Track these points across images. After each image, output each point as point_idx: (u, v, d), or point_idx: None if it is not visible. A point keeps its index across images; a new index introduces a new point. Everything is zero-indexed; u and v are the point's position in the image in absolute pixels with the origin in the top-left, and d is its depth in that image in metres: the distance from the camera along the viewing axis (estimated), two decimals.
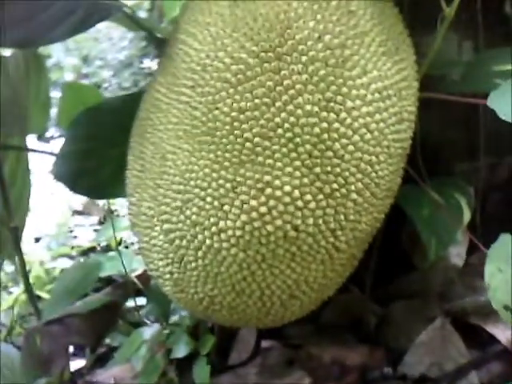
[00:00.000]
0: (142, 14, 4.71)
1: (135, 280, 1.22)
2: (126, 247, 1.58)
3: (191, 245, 0.71)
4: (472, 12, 0.94)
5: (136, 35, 4.82)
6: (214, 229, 0.69)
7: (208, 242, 0.70)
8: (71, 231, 1.87)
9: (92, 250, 1.78)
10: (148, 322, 1.18)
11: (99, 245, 1.76)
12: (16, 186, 1.04)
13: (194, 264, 0.72)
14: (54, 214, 1.91)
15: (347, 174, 0.68)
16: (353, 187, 0.69)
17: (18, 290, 1.42)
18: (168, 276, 0.77)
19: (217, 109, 0.68)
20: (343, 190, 0.68)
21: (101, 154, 0.99)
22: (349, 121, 0.67)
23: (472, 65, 0.90)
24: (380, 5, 0.71)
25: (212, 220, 0.69)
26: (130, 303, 1.21)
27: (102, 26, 5.08)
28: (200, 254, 0.71)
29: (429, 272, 0.96)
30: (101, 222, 1.95)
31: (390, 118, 0.70)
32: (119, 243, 1.30)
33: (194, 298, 0.75)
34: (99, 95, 1.19)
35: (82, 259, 1.61)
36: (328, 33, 0.66)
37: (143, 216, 0.78)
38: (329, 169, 0.67)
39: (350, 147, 0.67)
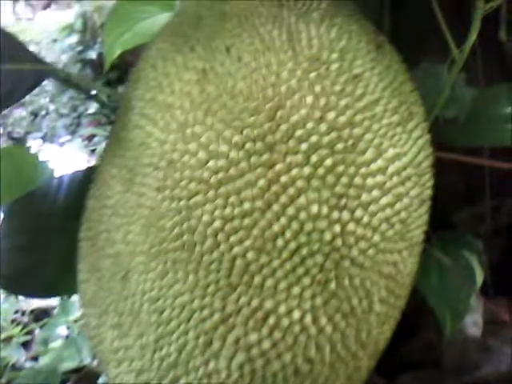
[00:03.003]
0: (75, 36, 4.45)
1: (98, 370, 1.02)
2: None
3: None
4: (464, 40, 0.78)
5: (70, 59, 4.53)
6: (201, 371, 0.50)
7: None
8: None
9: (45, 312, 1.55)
10: None
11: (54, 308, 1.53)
12: None
13: None
14: None
15: (369, 283, 0.51)
16: (375, 298, 0.52)
17: None
18: None
19: (193, 218, 0.50)
20: (365, 304, 0.51)
21: (42, 248, 0.78)
22: (366, 218, 0.49)
23: (473, 108, 0.74)
24: (386, 59, 0.54)
25: (198, 360, 0.50)
26: None
27: (35, 50, 4.76)
28: None
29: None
30: None
31: (411, 204, 0.52)
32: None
33: None
34: (33, 161, 0.98)
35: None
36: (331, 109, 0.48)
37: (106, 344, 0.58)
38: (346, 282, 0.50)
39: (371, 251, 0.50)
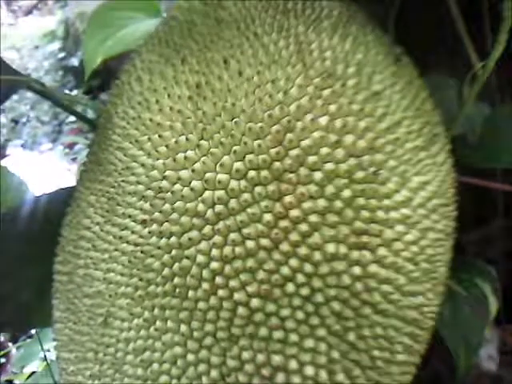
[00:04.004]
0: (57, 42, 4.34)
1: None
2: None
3: None
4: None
5: (52, 66, 4.42)
6: None
7: None
8: None
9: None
10: None
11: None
12: None
13: None
14: None
15: (392, 332, 0.43)
16: (399, 347, 0.44)
17: None
18: None
19: (186, 258, 0.41)
20: (386, 355, 0.43)
21: (16, 275, 0.70)
22: (391, 259, 0.41)
23: (486, 127, 0.67)
24: (406, 74, 0.46)
25: None
26: None
27: (16, 56, 4.64)
28: None
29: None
30: None
31: (437, 240, 0.45)
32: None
33: None
34: (7, 179, 0.89)
35: None
36: (349, 131, 0.40)
37: None
38: (367, 332, 0.42)
39: (395, 295, 0.42)
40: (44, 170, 2.88)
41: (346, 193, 0.40)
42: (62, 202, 0.68)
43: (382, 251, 0.41)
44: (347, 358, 0.42)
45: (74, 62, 4.25)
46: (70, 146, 3.36)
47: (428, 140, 0.45)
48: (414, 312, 0.44)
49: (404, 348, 0.44)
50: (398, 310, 0.43)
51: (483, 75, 0.52)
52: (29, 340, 1.43)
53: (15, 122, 4.18)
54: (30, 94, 4.28)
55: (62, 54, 4.37)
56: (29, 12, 5.30)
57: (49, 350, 1.31)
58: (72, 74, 4.32)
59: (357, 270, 0.40)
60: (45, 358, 1.04)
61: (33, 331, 1.46)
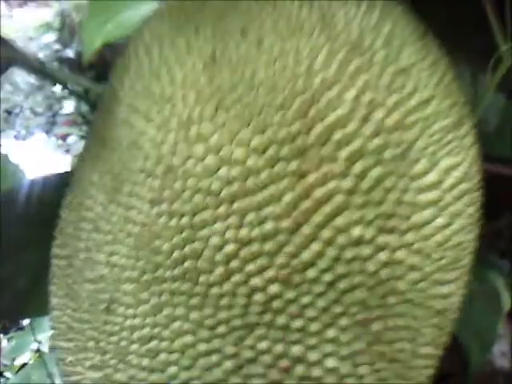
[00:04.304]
0: (53, 34, 4.28)
1: None
2: None
3: None
4: (490, 37, 0.68)
5: (47, 57, 4.37)
6: None
7: None
8: None
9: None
10: None
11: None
12: None
13: None
14: None
15: (418, 322, 0.40)
16: (424, 339, 0.41)
17: None
18: None
19: (198, 240, 0.38)
20: (412, 347, 0.40)
21: (13, 259, 0.66)
22: (419, 244, 0.38)
23: (506, 113, 0.64)
24: (434, 51, 0.43)
25: None
26: None
27: None
28: None
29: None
30: None
31: (467, 225, 0.42)
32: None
33: None
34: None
35: None
36: (378, 106, 0.37)
37: None
38: (392, 322, 0.39)
39: (423, 283, 0.39)
40: (37, 160, 2.84)
41: (374, 173, 0.37)
42: (59, 185, 0.65)
43: (410, 236, 0.38)
44: (371, 349, 0.39)
45: (70, 53, 4.20)
46: (64, 137, 3.32)
47: (456, 121, 0.42)
48: (442, 302, 0.41)
49: (429, 340, 0.42)
50: (425, 300, 0.40)
51: (509, 59, 0.49)
52: (20, 332, 1.39)
53: (8, 112, 4.13)
54: (23, 85, 4.22)
55: (57, 46, 4.31)
56: (24, 3, 5.23)
57: (40, 342, 1.27)
58: (67, 66, 4.27)
59: (383, 255, 0.37)
60: (38, 350, 1.00)
61: (24, 322, 1.42)
